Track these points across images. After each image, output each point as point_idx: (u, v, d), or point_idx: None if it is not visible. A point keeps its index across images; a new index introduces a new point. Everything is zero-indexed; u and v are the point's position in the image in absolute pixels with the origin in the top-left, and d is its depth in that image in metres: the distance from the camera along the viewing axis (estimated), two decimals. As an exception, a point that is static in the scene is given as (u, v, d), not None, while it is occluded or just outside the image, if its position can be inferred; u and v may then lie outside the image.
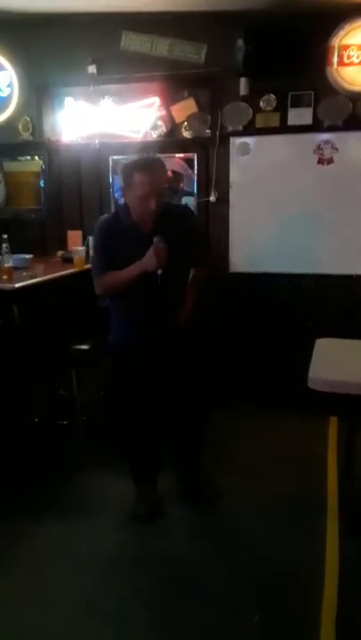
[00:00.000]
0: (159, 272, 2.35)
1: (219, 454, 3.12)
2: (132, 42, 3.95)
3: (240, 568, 2.26)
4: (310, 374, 2.30)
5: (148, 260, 2.35)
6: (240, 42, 3.63)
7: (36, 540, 2.46)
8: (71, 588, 2.17)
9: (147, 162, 2.40)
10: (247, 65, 3.64)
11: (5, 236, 3.23)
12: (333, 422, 3.53)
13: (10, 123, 4.24)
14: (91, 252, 3.39)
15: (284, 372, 3.77)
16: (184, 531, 2.54)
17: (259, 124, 3.79)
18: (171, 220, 2.45)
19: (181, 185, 4.09)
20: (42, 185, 4.34)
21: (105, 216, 2.61)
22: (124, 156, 4.09)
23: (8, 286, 3.00)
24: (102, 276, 2.48)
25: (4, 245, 3.22)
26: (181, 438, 2.78)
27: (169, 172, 4.10)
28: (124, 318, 2.56)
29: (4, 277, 3.12)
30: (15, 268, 3.23)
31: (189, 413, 2.72)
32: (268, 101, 3.75)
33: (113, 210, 2.59)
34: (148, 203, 2.33)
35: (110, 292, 2.50)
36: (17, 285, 3.01)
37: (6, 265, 3.16)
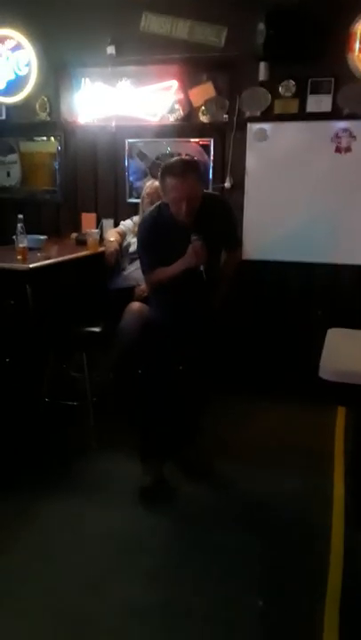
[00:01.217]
0: (201, 268, 2.47)
1: (225, 442, 3.13)
2: (151, 23, 3.91)
3: (244, 555, 2.28)
4: (321, 364, 2.30)
5: (189, 259, 2.48)
6: (261, 26, 3.58)
7: (41, 520, 2.49)
8: (74, 569, 2.19)
9: (180, 166, 2.47)
10: (267, 49, 3.59)
11: (21, 217, 3.24)
12: (341, 413, 3.53)
13: (27, 102, 4.23)
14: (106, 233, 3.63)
15: (294, 361, 3.78)
16: (190, 515, 2.56)
17: (277, 110, 3.75)
18: (209, 212, 2.54)
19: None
20: (57, 166, 4.33)
21: (148, 213, 2.72)
22: (140, 139, 4.10)
23: (22, 266, 3.02)
24: (151, 273, 2.64)
25: (19, 225, 3.22)
26: (181, 408, 2.87)
27: (184, 156, 4.08)
28: (164, 302, 2.71)
29: (19, 257, 3.13)
30: (30, 249, 3.24)
31: (194, 385, 2.87)
32: (287, 87, 3.71)
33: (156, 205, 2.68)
34: (180, 206, 2.44)
35: (159, 286, 2.64)
36: (31, 266, 3.02)
37: (21, 245, 3.17)
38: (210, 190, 3.66)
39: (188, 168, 2.47)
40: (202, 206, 2.51)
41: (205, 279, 2.48)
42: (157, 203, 2.68)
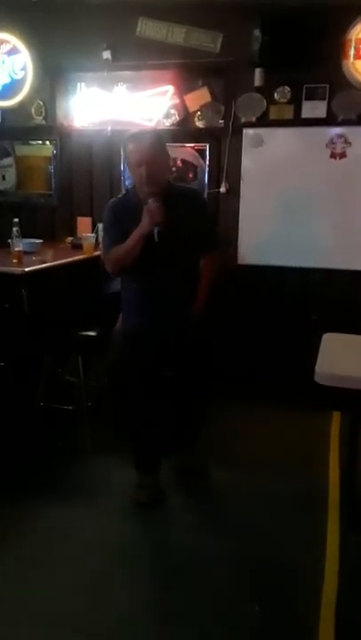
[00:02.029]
0: (156, 230, 2.33)
1: (220, 447, 3.13)
2: (147, 28, 3.93)
3: (240, 560, 2.28)
4: (317, 368, 2.31)
5: (143, 221, 2.36)
6: (257, 32, 3.60)
7: (37, 524, 2.48)
8: (71, 573, 2.18)
9: (139, 132, 2.51)
10: (263, 56, 3.61)
11: (16, 220, 3.24)
12: (336, 418, 3.54)
13: (23, 106, 4.23)
14: (101, 236, 3.38)
15: (289, 365, 3.79)
16: (185, 520, 2.56)
17: (272, 115, 3.77)
18: (179, 201, 2.45)
19: (191, 175, 4.09)
20: (52, 170, 4.33)
21: (115, 198, 2.65)
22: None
23: (18, 270, 3.02)
24: (108, 253, 2.51)
25: (14, 229, 3.22)
26: (180, 419, 2.82)
27: (178, 162, 4.11)
28: (133, 302, 2.57)
29: (14, 261, 3.13)
30: (25, 253, 3.24)
31: (190, 401, 2.80)
32: (282, 93, 3.73)
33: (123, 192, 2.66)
34: (140, 171, 2.35)
35: (119, 266, 2.49)
36: (26, 269, 3.02)
37: (16, 249, 3.17)
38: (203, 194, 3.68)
39: (147, 134, 2.50)
40: (172, 196, 2.44)
41: (157, 241, 2.33)
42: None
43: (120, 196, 2.65)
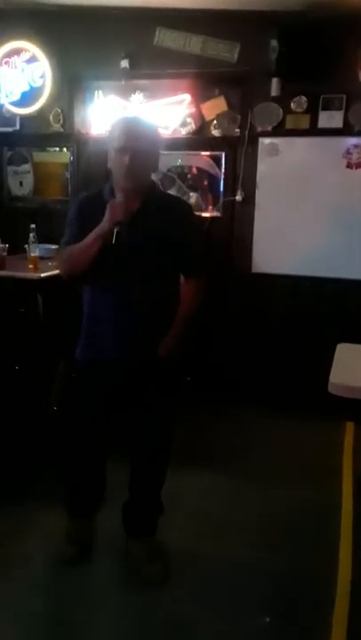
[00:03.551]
0: (116, 229, 1.97)
1: (232, 457, 3.12)
2: (165, 38, 3.96)
3: (251, 571, 2.26)
4: (331, 379, 2.30)
5: (104, 217, 1.99)
6: (274, 42, 3.62)
7: (44, 531, 2.46)
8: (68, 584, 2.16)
9: (129, 118, 2.29)
10: (280, 65, 3.64)
11: (33, 226, 3.27)
12: (350, 428, 3.52)
13: (41, 114, 4.27)
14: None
15: (302, 376, 3.78)
16: (193, 524, 2.54)
17: (289, 125, 3.78)
18: (159, 209, 2.07)
19: (206, 183, 4.10)
20: (69, 176, 4.37)
21: (86, 192, 2.27)
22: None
23: (34, 275, 3.05)
24: (64, 250, 2.14)
25: (31, 235, 3.25)
26: (137, 480, 2.32)
27: (194, 169, 4.13)
28: (92, 323, 2.16)
29: (30, 266, 3.17)
30: (41, 258, 3.27)
31: (149, 448, 2.28)
32: (298, 103, 3.74)
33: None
34: (122, 160, 1.98)
35: (70, 268, 2.12)
36: (42, 275, 3.05)
37: (33, 254, 3.20)
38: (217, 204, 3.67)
39: (141, 121, 2.15)
40: (153, 202, 2.08)
41: (114, 242, 1.95)
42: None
43: (91, 192, 2.24)
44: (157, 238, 2.03)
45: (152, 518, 2.32)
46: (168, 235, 2.05)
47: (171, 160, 4.14)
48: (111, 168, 2.05)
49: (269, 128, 3.82)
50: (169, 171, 4.16)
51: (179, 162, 4.14)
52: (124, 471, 2.28)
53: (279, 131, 3.80)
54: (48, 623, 1.99)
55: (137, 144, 1.99)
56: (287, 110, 3.76)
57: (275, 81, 3.72)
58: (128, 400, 2.21)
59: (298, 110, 3.74)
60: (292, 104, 3.74)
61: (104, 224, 1.97)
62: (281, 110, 3.77)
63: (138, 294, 2.04)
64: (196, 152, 4.07)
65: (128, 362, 2.11)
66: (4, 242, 3.44)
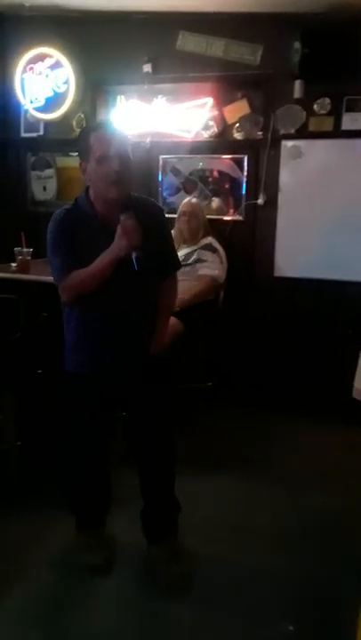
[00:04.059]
0: (134, 255, 1.90)
1: (255, 462, 3.10)
2: (187, 42, 3.97)
3: (275, 577, 2.23)
4: (356, 384, 2.25)
5: (118, 243, 1.91)
6: (297, 44, 3.60)
7: (67, 535, 2.40)
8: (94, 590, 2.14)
9: (107, 123, 2.17)
10: (303, 67, 3.61)
11: (56, 231, 3.29)
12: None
13: (64, 119, 4.32)
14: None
15: (324, 380, 3.74)
16: (217, 533, 2.52)
17: (312, 127, 3.75)
18: (141, 215, 1.98)
19: (227, 186, 4.09)
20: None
21: (61, 209, 2.09)
22: (174, 156, 4.15)
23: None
24: (65, 277, 1.99)
25: (54, 239, 3.27)
26: (148, 470, 2.29)
27: (215, 172, 4.12)
28: (84, 336, 2.08)
29: (53, 271, 3.18)
30: (64, 262, 3.29)
31: (153, 449, 2.26)
32: (322, 105, 3.70)
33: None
34: (110, 165, 1.89)
35: (78, 295, 2.00)
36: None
37: (56, 259, 3.21)
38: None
39: (112, 125, 2.06)
40: (135, 208, 1.98)
41: (137, 268, 1.89)
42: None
43: (68, 206, 2.09)
44: (146, 245, 1.94)
45: (171, 518, 2.30)
46: (154, 240, 2.02)
47: (192, 164, 4.14)
48: (90, 181, 1.98)
49: (292, 130, 3.79)
50: (191, 174, 4.16)
51: (200, 165, 4.13)
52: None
53: (302, 133, 3.77)
54: (69, 631, 1.99)
55: (122, 149, 1.93)
56: (310, 112, 3.73)
57: (298, 83, 3.70)
58: (123, 404, 2.22)
59: (321, 112, 3.71)
60: (315, 106, 3.71)
61: (120, 250, 1.90)
62: (304, 112, 3.74)
63: (133, 303, 2.04)
64: (218, 155, 4.06)
65: (126, 368, 2.09)
66: (27, 246, 3.48)
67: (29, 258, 3.45)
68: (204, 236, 3.70)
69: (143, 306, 2.09)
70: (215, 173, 4.12)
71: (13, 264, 3.52)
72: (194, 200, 3.85)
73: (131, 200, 2.01)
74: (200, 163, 4.12)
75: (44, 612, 2.04)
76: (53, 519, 2.51)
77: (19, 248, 3.47)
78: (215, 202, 4.09)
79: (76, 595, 2.11)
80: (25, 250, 3.45)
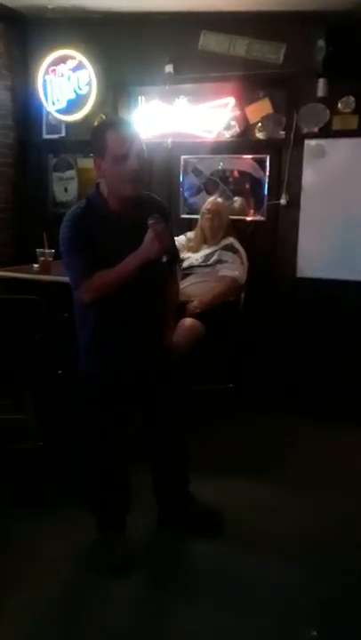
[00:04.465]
0: (164, 259, 1.94)
1: (274, 466, 3.06)
2: (209, 41, 3.95)
3: (298, 583, 2.20)
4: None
5: (150, 246, 1.92)
6: (321, 42, 3.57)
7: (90, 534, 2.37)
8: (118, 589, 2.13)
9: (124, 120, 2.16)
10: (327, 66, 3.58)
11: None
12: None
13: (86, 120, 4.31)
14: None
15: (346, 382, 3.68)
16: (240, 537, 2.50)
17: (336, 126, 3.70)
18: (145, 208, 2.02)
19: (247, 186, 4.06)
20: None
21: (74, 208, 2.06)
22: (195, 156, 4.13)
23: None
24: (87, 279, 1.96)
25: (76, 240, 3.28)
26: (163, 467, 2.37)
27: (235, 172, 4.09)
28: (105, 336, 2.07)
29: (75, 271, 3.18)
30: (85, 263, 3.29)
31: (166, 449, 2.34)
32: (346, 103, 3.65)
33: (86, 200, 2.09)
34: (130, 163, 1.90)
35: (102, 296, 1.98)
36: (86, 280, 3.06)
37: (77, 259, 3.22)
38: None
39: (128, 120, 2.15)
40: (142, 204, 2.02)
41: (165, 270, 1.97)
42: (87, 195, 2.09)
43: (82, 205, 2.05)
44: None
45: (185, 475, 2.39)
46: None
47: (213, 164, 4.12)
48: (105, 177, 1.97)
49: (315, 129, 3.75)
50: (212, 175, 4.13)
51: (220, 165, 4.10)
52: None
53: (326, 132, 3.73)
54: (83, 630, 1.98)
55: (139, 148, 1.93)
56: (334, 111, 3.68)
57: (321, 81, 3.65)
58: (139, 402, 2.24)
59: (345, 111, 3.66)
60: (339, 104, 3.66)
61: (151, 254, 1.92)
62: (328, 111, 3.69)
63: (148, 301, 2.07)
64: (239, 155, 4.02)
65: (142, 366, 2.12)
66: (49, 247, 3.49)
67: (51, 259, 3.45)
68: (225, 237, 3.66)
69: (156, 303, 2.12)
70: (235, 173, 4.09)
71: (35, 265, 3.54)
72: (219, 199, 3.82)
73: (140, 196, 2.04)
74: (220, 163, 4.09)
75: (60, 611, 2.03)
76: (74, 518, 2.48)
77: (41, 249, 3.48)
78: (238, 202, 4.05)
79: (93, 594, 2.09)
80: (47, 251, 3.45)
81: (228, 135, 4.04)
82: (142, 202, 2.05)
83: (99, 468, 2.26)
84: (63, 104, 4.35)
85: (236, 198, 4.06)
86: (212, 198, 3.80)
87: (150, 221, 1.94)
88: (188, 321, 3.26)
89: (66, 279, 3.12)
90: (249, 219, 4.03)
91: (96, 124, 2.05)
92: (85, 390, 2.17)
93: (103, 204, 2.01)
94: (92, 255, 1.96)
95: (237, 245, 3.63)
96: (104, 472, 2.26)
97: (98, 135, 1.98)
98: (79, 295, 2.03)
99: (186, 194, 4.21)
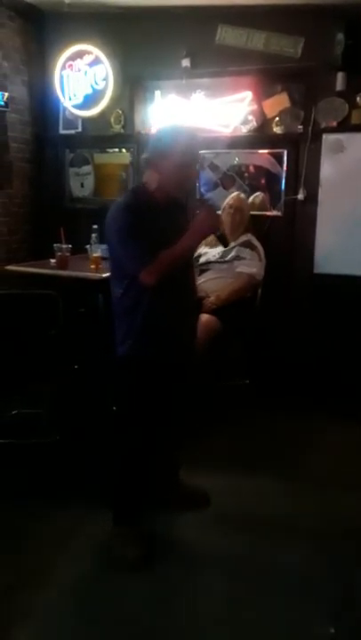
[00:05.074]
0: (218, 232, 2.39)
1: (291, 462, 3.04)
2: (227, 35, 3.92)
3: (315, 578, 2.19)
4: None
5: (208, 222, 2.14)
6: (340, 35, 3.53)
7: (108, 528, 2.41)
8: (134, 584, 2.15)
9: (188, 127, 2.27)
10: (346, 59, 3.54)
11: (95, 227, 3.29)
12: None
13: (103, 115, 4.32)
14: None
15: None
16: (254, 534, 2.49)
17: (355, 120, 3.66)
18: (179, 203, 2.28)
19: (263, 181, 4.03)
20: (129, 177, 4.39)
21: (123, 199, 2.15)
22: (212, 151, 4.10)
23: (95, 275, 3.07)
24: (153, 261, 2.05)
25: (93, 235, 3.28)
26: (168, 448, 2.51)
27: (251, 167, 4.06)
28: (156, 319, 2.15)
29: (92, 267, 3.19)
30: (103, 258, 3.29)
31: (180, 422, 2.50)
32: (365, 97, 3.61)
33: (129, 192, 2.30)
34: (192, 172, 2.22)
35: (164, 275, 2.07)
36: (104, 275, 3.06)
37: (95, 254, 3.22)
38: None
39: (193, 130, 2.31)
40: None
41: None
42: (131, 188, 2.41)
43: (129, 196, 2.20)
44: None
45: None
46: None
47: (230, 159, 4.09)
48: (162, 175, 2.08)
49: (334, 124, 3.71)
50: (228, 170, 4.11)
51: (236, 160, 4.08)
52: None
53: (344, 126, 3.69)
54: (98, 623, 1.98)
55: (198, 154, 2.19)
56: (353, 105, 3.64)
57: (340, 75, 3.61)
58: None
59: (365, 105, 3.61)
60: (358, 98, 3.62)
61: (210, 229, 2.22)
62: (347, 105, 3.65)
63: (190, 285, 2.29)
64: (256, 150, 3.99)
65: (188, 349, 2.27)
66: (66, 242, 3.49)
67: (68, 254, 3.45)
68: (243, 233, 3.63)
69: (194, 289, 2.34)
70: (251, 169, 4.06)
71: (52, 260, 3.54)
72: (242, 195, 3.77)
73: None
74: (236, 158, 4.06)
75: (76, 606, 2.04)
76: (93, 513, 2.50)
77: (58, 244, 3.49)
78: (259, 197, 3.99)
79: (108, 588, 2.10)
80: (64, 246, 3.46)
81: (245, 130, 4.01)
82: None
83: (140, 455, 2.28)
84: (80, 99, 4.34)
85: (257, 194, 4.01)
86: (234, 193, 3.75)
87: (208, 202, 2.31)
88: (204, 317, 3.25)
89: (82, 274, 3.16)
90: (267, 214, 3.99)
91: (168, 125, 2.30)
92: (132, 374, 2.21)
93: (150, 195, 2.12)
94: (148, 241, 2.05)
95: (255, 242, 3.61)
96: (144, 460, 2.29)
97: (169, 137, 2.11)
98: (143, 278, 2.07)
99: (202, 189, 4.18)
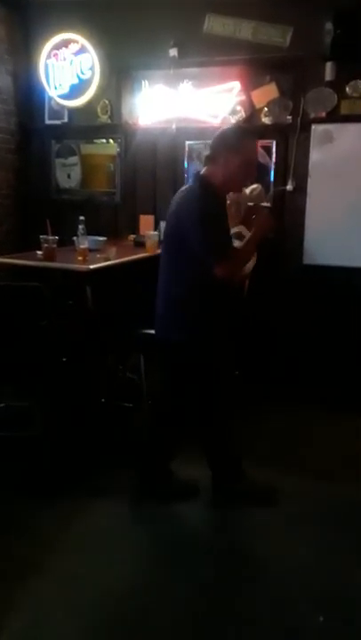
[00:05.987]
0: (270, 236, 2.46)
1: (286, 454, 3.04)
2: (215, 25, 3.88)
3: (307, 569, 2.19)
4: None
5: (267, 225, 2.39)
6: (329, 25, 3.50)
7: (95, 520, 2.45)
8: (121, 575, 2.14)
9: (250, 130, 2.60)
10: (335, 49, 3.52)
11: (82, 218, 3.25)
12: None
13: (89, 105, 4.26)
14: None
15: (355, 369, 3.65)
16: (251, 523, 2.49)
17: (344, 110, 3.65)
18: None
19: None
20: (116, 168, 4.35)
21: (207, 190, 2.25)
22: (200, 141, 4.06)
23: (83, 267, 3.03)
24: (229, 254, 2.22)
25: (80, 227, 3.24)
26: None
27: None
28: (211, 310, 2.34)
29: (79, 258, 3.15)
30: (89, 250, 3.26)
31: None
32: (354, 87, 3.60)
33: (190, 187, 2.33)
34: (253, 169, 2.37)
35: (235, 272, 2.32)
36: (91, 267, 3.03)
37: (82, 246, 3.18)
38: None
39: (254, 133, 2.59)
40: None
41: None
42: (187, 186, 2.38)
43: (206, 186, 2.26)
44: None
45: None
46: None
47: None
48: (228, 170, 2.23)
49: (323, 114, 3.69)
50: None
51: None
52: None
53: (333, 117, 3.67)
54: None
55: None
56: (342, 95, 3.63)
57: (329, 65, 3.60)
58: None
59: (354, 95, 3.60)
60: (347, 88, 3.61)
61: (265, 231, 2.35)
62: (335, 95, 3.64)
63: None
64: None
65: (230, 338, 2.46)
66: (53, 234, 3.44)
67: (55, 245, 3.40)
68: (235, 225, 3.60)
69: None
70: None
71: (39, 252, 3.49)
72: (247, 190, 3.72)
73: None
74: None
75: (69, 596, 2.02)
76: (83, 505, 2.52)
77: (44, 236, 3.43)
78: (257, 189, 3.94)
79: (101, 582, 2.09)
80: (50, 238, 3.40)
81: (233, 120, 3.98)
82: None
83: (231, 420, 2.53)
84: (66, 89, 4.28)
85: (255, 185, 3.96)
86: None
87: (258, 206, 2.51)
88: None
89: (70, 266, 3.12)
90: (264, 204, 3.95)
91: (236, 125, 2.83)
92: (191, 358, 2.35)
93: (215, 189, 2.25)
94: (228, 233, 2.33)
95: (246, 233, 3.57)
96: (233, 427, 2.53)
97: (235, 137, 2.29)
98: (219, 269, 2.17)
99: (190, 181, 4.14)
